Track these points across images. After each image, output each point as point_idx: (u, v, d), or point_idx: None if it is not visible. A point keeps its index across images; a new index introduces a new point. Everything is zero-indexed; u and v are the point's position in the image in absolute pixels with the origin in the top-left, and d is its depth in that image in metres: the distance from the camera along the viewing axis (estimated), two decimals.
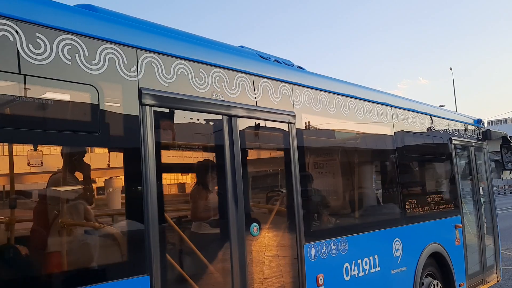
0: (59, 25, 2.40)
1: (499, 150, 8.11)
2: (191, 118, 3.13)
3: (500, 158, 8.13)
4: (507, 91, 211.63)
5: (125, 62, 2.67)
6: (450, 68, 70.56)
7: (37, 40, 2.30)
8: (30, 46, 2.27)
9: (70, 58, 2.42)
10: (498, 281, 7.30)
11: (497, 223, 7.62)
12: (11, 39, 2.21)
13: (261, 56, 4.20)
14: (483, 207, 7.28)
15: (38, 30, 2.31)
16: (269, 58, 4.32)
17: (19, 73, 2.23)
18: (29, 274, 2.25)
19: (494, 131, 7.87)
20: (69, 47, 2.42)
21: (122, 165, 2.67)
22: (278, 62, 4.39)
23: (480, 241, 6.95)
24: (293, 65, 4.66)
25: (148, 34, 2.96)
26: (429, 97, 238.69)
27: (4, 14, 2.19)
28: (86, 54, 2.49)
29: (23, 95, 2.28)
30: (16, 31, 2.23)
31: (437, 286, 5.58)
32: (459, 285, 6.01)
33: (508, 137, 7.99)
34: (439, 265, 5.71)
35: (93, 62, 2.52)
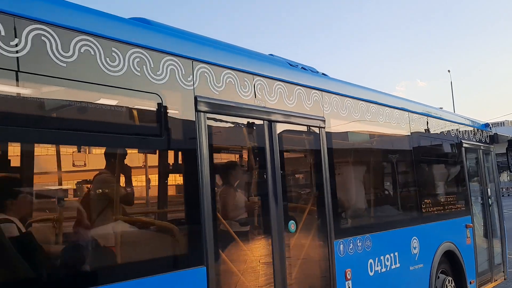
0: (131, 40, 2.66)
1: (505, 152, 8.46)
2: (237, 123, 3.39)
3: (506, 160, 8.51)
4: (505, 94, 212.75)
5: (183, 73, 2.93)
6: (448, 71, 71.01)
7: (113, 53, 2.56)
8: (108, 59, 2.53)
9: (139, 69, 2.68)
10: (505, 279, 7.59)
11: (504, 223, 7.90)
12: (92, 53, 2.47)
13: (290, 64, 4.46)
14: (490, 208, 7.56)
15: (113, 45, 2.57)
16: (297, 65, 4.58)
17: (99, 84, 2.49)
18: (107, 263, 2.51)
19: (501, 135, 8.15)
20: (138, 59, 2.69)
21: (182, 166, 2.93)
22: (305, 69, 4.65)
23: (488, 240, 7.24)
24: (318, 72, 4.93)
25: (201, 46, 3.22)
26: (427, 99, 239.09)
27: (87, 31, 2.45)
28: (152, 66, 2.76)
29: (102, 103, 2.55)
30: (96, 46, 2.48)
31: (450, 282, 5.85)
32: (470, 282, 6.28)
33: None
34: (451, 262, 5.97)
35: (158, 72, 2.78)
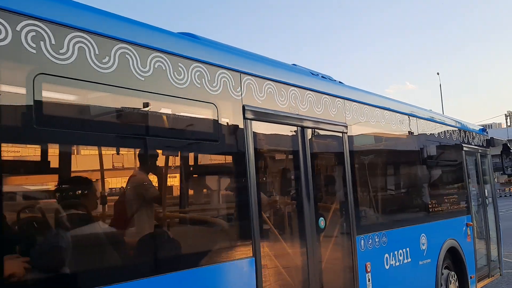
0: (193, 56, 3.01)
1: (499, 155, 8.98)
2: (276, 129, 3.76)
3: (501, 163, 9.02)
4: (493, 96, 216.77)
5: (233, 84, 3.29)
6: (438, 73, 72.13)
7: (179, 68, 2.91)
8: (175, 73, 2.87)
9: (199, 82, 3.03)
10: (500, 275, 8.06)
11: (499, 222, 8.38)
12: (164, 68, 2.81)
13: (312, 73, 4.83)
14: (487, 208, 8.03)
15: (180, 61, 2.92)
16: (317, 74, 4.96)
17: (169, 95, 2.84)
18: (180, 252, 2.86)
19: (497, 139, 8.64)
20: (198, 73, 3.04)
21: (234, 167, 3.29)
22: (325, 78, 5.03)
23: (485, 238, 7.70)
24: (335, 80, 5.31)
25: (246, 60, 3.58)
26: (417, 102, 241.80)
27: (160, 49, 2.79)
28: (209, 78, 3.11)
29: (171, 113, 2.89)
30: (167, 62, 2.83)
31: (453, 277, 6.28)
32: (470, 277, 6.72)
33: (508, 145, 8.79)
34: (453, 259, 6.40)
35: (213, 84, 3.13)
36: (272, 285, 3.31)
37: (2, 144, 2.00)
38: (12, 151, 2.14)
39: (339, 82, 5.34)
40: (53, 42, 2.24)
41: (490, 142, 8.43)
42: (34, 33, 2.18)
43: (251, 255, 3.19)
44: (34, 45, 2.18)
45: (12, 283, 1.94)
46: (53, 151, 2.37)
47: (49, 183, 2.51)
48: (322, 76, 5.01)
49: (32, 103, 2.16)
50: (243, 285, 3.08)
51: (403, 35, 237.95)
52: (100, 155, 2.66)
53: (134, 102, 2.71)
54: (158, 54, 2.78)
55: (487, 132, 8.60)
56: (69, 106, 2.47)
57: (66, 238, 2.27)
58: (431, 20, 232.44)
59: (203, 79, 3.06)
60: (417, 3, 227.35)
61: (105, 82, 2.50)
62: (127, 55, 2.61)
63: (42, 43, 2.20)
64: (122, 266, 2.55)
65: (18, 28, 2.13)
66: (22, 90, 2.14)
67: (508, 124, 68.84)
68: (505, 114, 69.48)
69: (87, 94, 2.52)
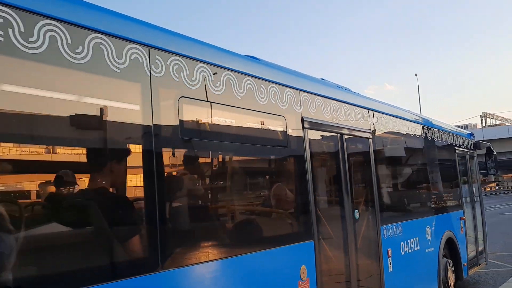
0: (271, 78, 3.76)
1: (484, 157, 10.06)
2: (322, 136, 4.53)
3: (484, 164, 10.12)
4: (469, 98, 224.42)
5: (295, 100, 4.05)
6: (416, 74, 74.42)
7: (261, 88, 3.65)
8: (259, 93, 3.61)
9: (274, 99, 3.78)
10: (486, 263, 9.07)
11: (485, 217, 9.42)
12: (252, 89, 3.55)
13: (338, 86, 5.63)
14: (475, 204, 9.04)
15: (262, 83, 3.66)
16: (342, 87, 5.76)
17: (257, 110, 3.58)
18: (260, 236, 3.60)
19: (482, 143, 9.67)
20: (273, 92, 3.78)
21: (297, 167, 4.06)
22: (347, 89, 5.83)
23: (474, 231, 8.70)
24: (354, 92, 6.12)
25: (302, 79, 4.34)
26: (395, 102, 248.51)
27: (251, 74, 3.53)
28: (280, 96, 3.86)
29: (259, 125, 3.65)
30: (254, 84, 3.57)
31: (451, 265, 7.20)
32: (463, 265, 7.67)
33: (491, 147, 9.86)
34: (450, 248, 7.32)
35: (283, 101, 3.89)
36: (323, 262, 4.08)
37: None
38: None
39: (356, 93, 6.16)
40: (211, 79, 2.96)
41: (476, 145, 9.44)
42: (177, 66, 2.90)
43: (311, 239, 3.95)
44: (177, 75, 2.89)
45: None
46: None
47: None
48: (346, 88, 5.81)
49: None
50: (306, 261, 3.83)
51: (382, 37, 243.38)
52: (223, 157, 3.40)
53: (235, 117, 3.44)
54: (250, 78, 3.52)
55: (473, 136, 9.60)
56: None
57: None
58: (410, 23, 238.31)
59: (276, 97, 3.81)
60: (396, 7, 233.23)
61: (217, 101, 3.22)
62: (230, 80, 3.33)
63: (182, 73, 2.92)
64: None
65: (168, 62, 2.84)
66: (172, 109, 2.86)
67: (483, 125, 71.49)
68: (480, 115, 72.25)
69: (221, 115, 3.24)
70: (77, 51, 2.34)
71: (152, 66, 2.74)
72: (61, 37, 2.27)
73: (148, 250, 2.64)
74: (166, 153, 2.83)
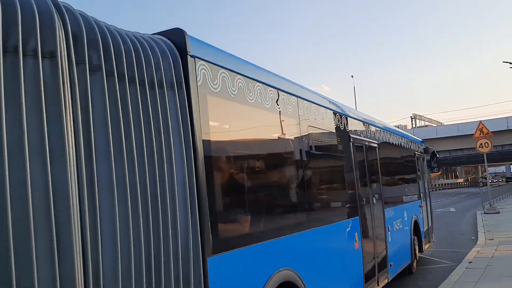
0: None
1: (430, 159, 12.89)
2: (359, 146, 6.64)
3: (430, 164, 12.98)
4: (400, 100, 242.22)
5: (346, 123, 6.12)
6: (352, 76, 78.64)
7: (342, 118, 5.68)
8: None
9: (342, 125, 5.82)
10: (433, 241, 11.81)
11: (432, 206, 12.26)
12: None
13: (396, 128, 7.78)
14: (426, 196, 11.76)
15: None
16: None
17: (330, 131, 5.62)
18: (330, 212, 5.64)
19: (429, 147, 12.46)
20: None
21: (350, 168, 6.14)
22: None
23: (427, 216, 11.38)
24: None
25: (346, 107, 6.42)
26: None
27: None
28: (344, 121, 5.91)
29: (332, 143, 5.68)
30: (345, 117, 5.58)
31: (416, 240, 9.71)
32: (423, 241, 10.29)
33: (435, 152, 12.70)
34: (415, 228, 9.82)
35: (342, 124, 5.94)
36: (362, 231, 6.17)
37: None
38: None
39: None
40: None
41: (426, 150, 12.19)
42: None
43: (358, 216, 6.04)
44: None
45: None
46: None
47: None
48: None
49: None
50: (357, 230, 5.92)
51: (319, 40, 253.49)
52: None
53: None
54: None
55: (423, 143, 12.37)
56: None
57: None
58: (347, 25, 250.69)
59: (343, 122, 5.87)
60: (331, 10, 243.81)
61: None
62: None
63: None
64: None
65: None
66: None
67: (413, 125, 77.62)
68: (411, 117, 79.04)
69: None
70: None
71: None
72: None
73: None
74: None
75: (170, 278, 2.62)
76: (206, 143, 3.13)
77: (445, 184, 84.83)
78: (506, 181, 64.85)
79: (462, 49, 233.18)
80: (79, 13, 2.38)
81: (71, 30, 2.25)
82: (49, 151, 2.02)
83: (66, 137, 2.09)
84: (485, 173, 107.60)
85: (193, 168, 2.87)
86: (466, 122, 55.04)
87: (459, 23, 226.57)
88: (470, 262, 9.18)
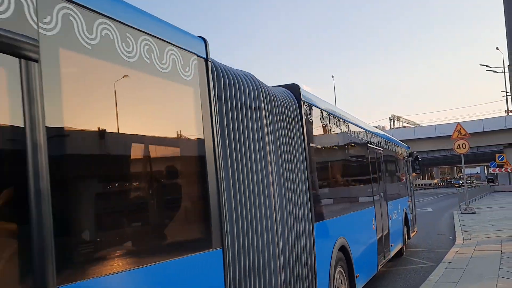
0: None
1: (413, 162, 15.34)
2: (373, 150, 8.81)
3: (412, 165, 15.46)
4: (379, 101, 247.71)
5: (367, 136, 8.30)
6: (332, 76, 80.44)
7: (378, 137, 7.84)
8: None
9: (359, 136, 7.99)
10: (416, 232, 14.14)
11: (415, 202, 14.73)
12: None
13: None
14: (412, 193, 14.16)
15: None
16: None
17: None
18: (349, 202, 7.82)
19: (413, 152, 14.93)
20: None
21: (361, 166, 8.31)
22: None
23: (412, 209, 13.76)
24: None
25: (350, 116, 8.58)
26: None
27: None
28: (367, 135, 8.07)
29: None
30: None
31: (406, 229, 12.01)
32: (413, 230, 12.76)
33: (417, 155, 15.17)
34: (405, 218, 12.12)
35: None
36: (376, 217, 8.40)
37: None
38: None
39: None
40: None
41: (411, 154, 14.61)
42: None
43: (373, 205, 8.24)
44: None
45: None
46: None
47: None
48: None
49: None
50: (373, 216, 8.14)
51: (300, 39, 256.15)
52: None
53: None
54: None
55: (409, 148, 14.84)
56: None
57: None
58: (327, 25, 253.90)
59: (368, 138, 8.03)
60: (314, 10, 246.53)
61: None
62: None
63: None
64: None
65: None
66: None
67: (391, 126, 79.92)
68: (390, 118, 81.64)
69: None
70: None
71: None
72: None
73: None
74: None
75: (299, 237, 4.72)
76: (311, 155, 5.27)
77: (421, 184, 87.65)
78: (488, 182, 68.24)
79: (440, 51, 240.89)
80: (262, 84, 4.36)
81: (270, 95, 4.39)
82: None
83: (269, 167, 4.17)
84: (460, 174, 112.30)
85: (307, 170, 5.01)
86: (443, 124, 56.34)
87: (438, 25, 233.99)
88: (449, 262, 9.25)
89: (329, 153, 6.55)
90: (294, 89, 5.15)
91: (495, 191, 47.73)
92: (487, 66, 46.00)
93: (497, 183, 56.27)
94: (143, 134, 2.76)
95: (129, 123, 2.62)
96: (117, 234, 2.49)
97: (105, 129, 2.41)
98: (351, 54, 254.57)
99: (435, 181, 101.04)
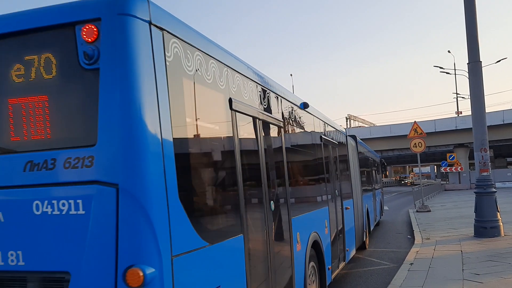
0: None
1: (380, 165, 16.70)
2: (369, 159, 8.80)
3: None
4: (335, 101, 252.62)
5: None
6: (291, 75, 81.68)
7: None
8: None
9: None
10: (378, 224, 15.75)
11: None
12: None
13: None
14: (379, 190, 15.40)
15: None
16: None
17: None
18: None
19: (381, 159, 16.53)
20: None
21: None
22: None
23: (381, 203, 15.01)
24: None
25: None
26: None
27: None
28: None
29: None
30: None
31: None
32: (378, 221, 14.49)
33: (383, 160, 17.05)
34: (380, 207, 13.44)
35: None
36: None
37: None
38: None
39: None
40: None
41: (380, 160, 16.26)
42: None
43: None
44: None
45: None
46: None
47: None
48: None
49: None
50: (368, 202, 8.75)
51: (259, 38, 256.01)
52: None
53: None
54: None
55: (380, 156, 16.53)
56: None
57: None
58: (283, 24, 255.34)
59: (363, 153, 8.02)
60: (273, 9, 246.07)
61: None
62: None
63: None
64: None
65: None
66: None
67: (348, 126, 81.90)
68: (346, 117, 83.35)
69: None
70: None
71: None
72: None
73: None
74: None
75: None
76: None
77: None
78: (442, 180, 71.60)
79: (396, 53, 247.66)
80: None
81: None
82: None
83: None
84: (413, 173, 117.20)
85: None
86: (398, 124, 58.62)
87: (393, 26, 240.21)
88: (411, 263, 9.10)
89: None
90: None
91: (446, 190, 49.75)
92: (441, 67, 47.64)
93: (447, 182, 58.69)
94: None
95: None
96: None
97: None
98: (309, 54, 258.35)
99: (386, 180, 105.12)
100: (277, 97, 5.39)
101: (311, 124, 7.14)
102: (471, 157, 51.47)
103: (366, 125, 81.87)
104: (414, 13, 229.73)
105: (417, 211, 20.90)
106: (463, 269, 8.19)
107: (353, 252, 10.04)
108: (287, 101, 5.84)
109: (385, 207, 29.22)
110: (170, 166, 2.84)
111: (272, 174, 4.77)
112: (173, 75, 3.03)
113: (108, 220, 2.66)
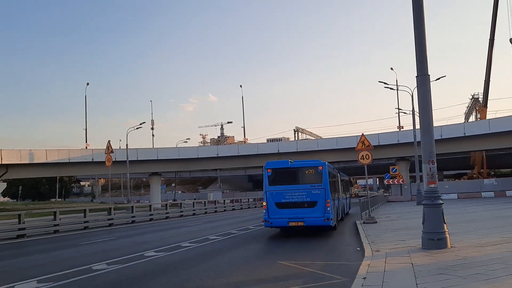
0: None
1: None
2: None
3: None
4: (283, 113, 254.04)
5: None
6: (240, 86, 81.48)
7: None
8: None
9: None
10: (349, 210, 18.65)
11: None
12: None
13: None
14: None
15: None
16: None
17: None
18: None
19: (349, 177, 18.47)
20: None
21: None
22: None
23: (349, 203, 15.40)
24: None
25: None
26: (218, 113, 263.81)
27: None
28: None
29: None
30: None
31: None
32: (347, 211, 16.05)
33: (347, 177, 18.84)
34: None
35: None
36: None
37: None
38: None
39: None
40: None
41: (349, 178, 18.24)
42: None
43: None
44: None
45: None
46: None
47: None
48: None
49: None
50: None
51: (207, 48, 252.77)
52: None
53: None
54: None
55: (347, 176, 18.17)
56: None
57: None
58: (233, 36, 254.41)
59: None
60: (217, 20, 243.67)
61: None
62: None
63: None
64: None
65: None
66: None
67: (296, 138, 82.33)
68: (294, 129, 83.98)
69: None
70: None
71: None
72: None
73: None
74: None
75: None
76: None
77: None
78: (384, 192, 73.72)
79: (343, 67, 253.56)
80: None
81: None
82: None
83: None
84: (356, 185, 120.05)
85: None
86: (344, 137, 60.26)
87: (340, 43, 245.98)
88: (364, 278, 8.74)
89: None
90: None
91: (389, 201, 51.18)
92: (385, 83, 49.12)
93: (390, 194, 60.50)
94: None
95: None
96: None
97: None
98: (259, 64, 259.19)
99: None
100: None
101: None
102: (411, 170, 53.36)
103: (313, 138, 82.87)
104: (359, 33, 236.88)
105: (364, 223, 21.10)
106: (417, 284, 8.02)
107: (340, 217, 19.62)
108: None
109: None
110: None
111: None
112: None
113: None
